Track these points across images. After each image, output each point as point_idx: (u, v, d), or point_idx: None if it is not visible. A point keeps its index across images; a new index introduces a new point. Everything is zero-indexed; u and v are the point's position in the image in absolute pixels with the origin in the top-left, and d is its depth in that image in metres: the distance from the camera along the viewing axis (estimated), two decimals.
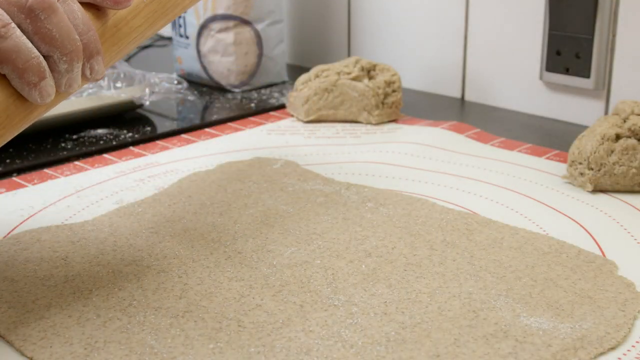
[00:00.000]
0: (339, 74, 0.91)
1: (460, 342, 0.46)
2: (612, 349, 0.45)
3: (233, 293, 0.52)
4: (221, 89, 1.07)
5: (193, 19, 1.05)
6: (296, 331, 0.47)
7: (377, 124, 0.90)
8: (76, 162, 0.79)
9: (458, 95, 1.03)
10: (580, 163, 0.70)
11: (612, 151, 0.68)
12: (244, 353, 0.45)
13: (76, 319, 0.49)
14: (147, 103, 0.92)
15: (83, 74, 0.47)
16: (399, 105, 0.91)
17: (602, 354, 0.45)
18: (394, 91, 0.90)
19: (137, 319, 0.48)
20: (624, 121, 0.71)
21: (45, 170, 0.76)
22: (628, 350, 0.45)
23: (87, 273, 0.54)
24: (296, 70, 1.15)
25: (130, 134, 0.87)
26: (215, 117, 0.94)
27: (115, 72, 0.92)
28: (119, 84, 0.91)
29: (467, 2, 0.99)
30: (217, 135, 0.88)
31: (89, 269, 0.55)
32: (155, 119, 0.94)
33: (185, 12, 1.06)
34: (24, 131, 0.48)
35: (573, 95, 0.91)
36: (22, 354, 0.46)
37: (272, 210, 0.65)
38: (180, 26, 1.08)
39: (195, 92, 1.03)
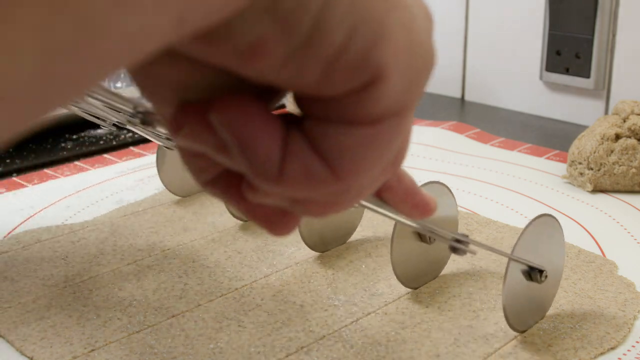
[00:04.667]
0: None
1: (460, 342, 0.46)
2: (612, 349, 0.45)
3: (233, 293, 0.52)
4: None
5: None
6: (296, 331, 0.47)
7: None
8: (76, 162, 0.79)
9: (458, 95, 1.03)
10: (580, 163, 0.70)
11: (612, 151, 0.68)
12: (244, 353, 0.45)
13: (76, 319, 0.49)
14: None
15: None
16: None
17: (602, 354, 0.45)
18: None
19: (137, 319, 0.48)
20: (624, 121, 0.71)
21: (45, 170, 0.76)
22: (628, 350, 0.45)
23: (87, 273, 0.54)
24: None
25: (130, 134, 0.87)
26: None
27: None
28: (119, 84, 0.91)
29: (467, 2, 0.99)
30: None
31: (89, 269, 0.55)
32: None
33: None
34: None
35: (573, 95, 0.91)
36: (22, 354, 0.46)
37: None
38: None
39: None
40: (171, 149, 0.62)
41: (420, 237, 0.50)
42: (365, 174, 0.24)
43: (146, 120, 0.37)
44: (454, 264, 0.55)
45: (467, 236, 0.41)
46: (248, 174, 0.23)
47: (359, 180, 0.24)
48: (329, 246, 0.57)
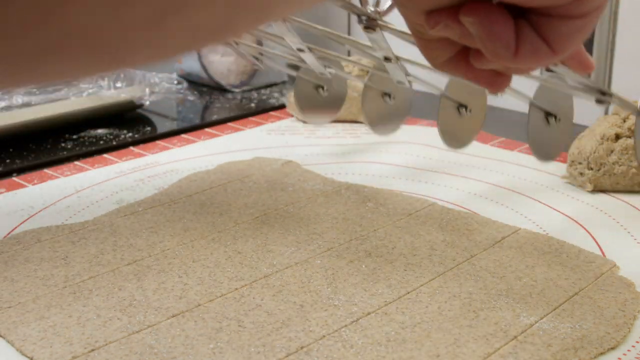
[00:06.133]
0: None
1: (460, 342, 0.46)
2: (612, 349, 0.45)
3: (233, 293, 0.52)
4: (221, 89, 1.07)
5: None
6: (296, 331, 0.47)
7: None
8: (76, 162, 0.79)
9: None
10: (580, 163, 0.70)
11: (612, 151, 0.68)
12: (244, 353, 0.45)
13: (76, 319, 0.49)
14: (147, 103, 0.92)
15: None
16: None
17: (602, 354, 0.45)
18: None
19: (137, 319, 0.48)
20: (624, 121, 0.71)
21: (45, 170, 0.76)
22: (628, 350, 0.45)
23: (87, 273, 0.54)
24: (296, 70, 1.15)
25: (130, 134, 0.87)
26: (215, 117, 0.94)
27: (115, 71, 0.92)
28: (119, 84, 0.91)
29: None
30: (217, 135, 0.88)
31: (89, 269, 0.55)
32: (155, 119, 0.94)
33: None
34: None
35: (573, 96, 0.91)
36: (22, 354, 0.46)
37: (272, 210, 0.65)
38: None
39: (195, 92, 1.03)
40: (324, 75, 0.76)
41: (547, 120, 0.63)
42: (573, 48, 0.34)
43: (369, 25, 0.49)
44: (454, 263, 0.55)
45: (610, 90, 0.53)
46: (488, 55, 0.33)
47: (568, 53, 0.34)
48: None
